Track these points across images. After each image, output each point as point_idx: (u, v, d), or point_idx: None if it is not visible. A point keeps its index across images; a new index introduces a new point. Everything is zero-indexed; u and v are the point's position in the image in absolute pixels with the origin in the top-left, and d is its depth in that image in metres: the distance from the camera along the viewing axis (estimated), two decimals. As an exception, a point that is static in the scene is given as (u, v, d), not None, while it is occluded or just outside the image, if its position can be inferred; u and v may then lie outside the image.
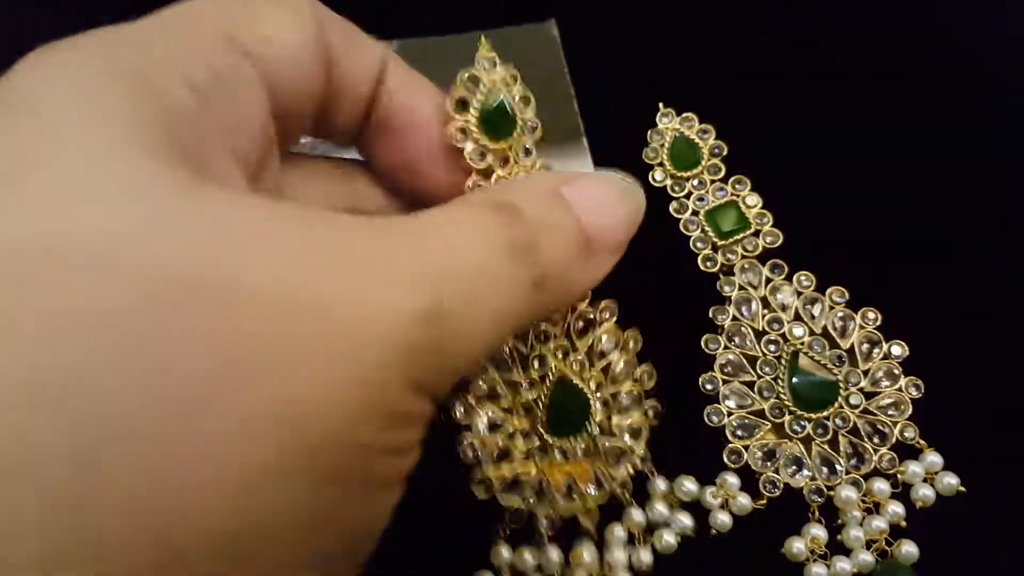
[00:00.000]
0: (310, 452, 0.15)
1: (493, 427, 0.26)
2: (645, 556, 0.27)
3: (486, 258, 0.19)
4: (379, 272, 0.17)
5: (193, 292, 0.15)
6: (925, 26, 0.38)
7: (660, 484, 0.28)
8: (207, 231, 0.16)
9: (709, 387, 0.28)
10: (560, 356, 0.26)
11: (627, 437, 0.26)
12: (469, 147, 0.25)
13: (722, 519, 0.27)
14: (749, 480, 0.27)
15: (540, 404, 0.26)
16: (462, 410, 0.26)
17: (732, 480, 0.27)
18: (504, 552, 0.27)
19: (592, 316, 0.27)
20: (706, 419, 0.28)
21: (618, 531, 0.27)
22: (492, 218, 0.20)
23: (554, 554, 0.27)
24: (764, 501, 0.27)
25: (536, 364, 0.26)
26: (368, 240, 0.18)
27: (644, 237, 0.29)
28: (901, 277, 0.31)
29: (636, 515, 0.27)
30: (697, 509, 0.27)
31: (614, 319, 0.26)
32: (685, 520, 0.27)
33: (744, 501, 0.27)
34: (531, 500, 0.25)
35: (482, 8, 0.40)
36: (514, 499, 0.25)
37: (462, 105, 0.25)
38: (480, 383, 0.26)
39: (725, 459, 0.27)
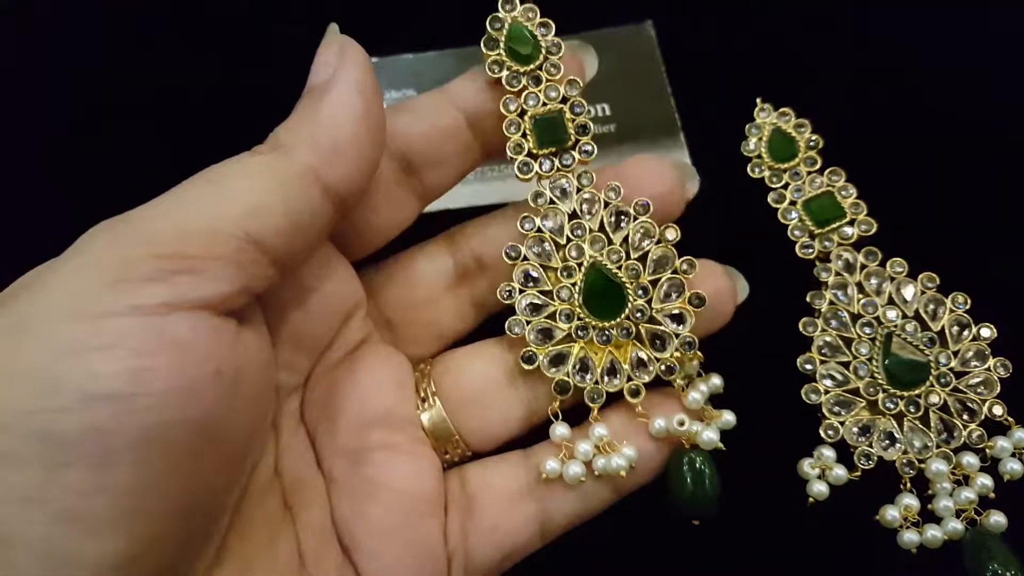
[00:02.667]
0: None
1: (535, 308, 0.29)
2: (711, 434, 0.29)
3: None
4: None
5: None
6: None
7: (715, 380, 0.30)
8: None
9: (808, 367, 0.30)
10: (594, 246, 0.29)
11: (670, 323, 0.29)
12: (519, 159, 0.29)
13: (819, 488, 0.29)
14: (845, 453, 0.29)
15: (577, 288, 0.29)
16: (507, 292, 0.29)
17: (828, 453, 0.29)
18: (560, 428, 0.29)
19: (626, 210, 0.29)
20: (804, 397, 0.30)
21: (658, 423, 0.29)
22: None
23: (600, 430, 0.28)
24: (859, 473, 0.29)
25: (572, 253, 0.29)
26: None
27: (744, 226, 0.31)
28: (989, 262, 0.32)
29: (677, 417, 0.28)
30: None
31: (648, 214, 0.29)
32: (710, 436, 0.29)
33: (840, 472, 0.29)
34: (576, 376, 0.28)
35: (585, 10, 0.42)
36: (558, 373, 0.28)
37: (490, 43, 0.29)
38: (519, 269, 0.29)
39: (822, 433, 0.29)
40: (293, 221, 0.23)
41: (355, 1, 0.45)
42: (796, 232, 0.32)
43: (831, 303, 0.31)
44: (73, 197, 0.41)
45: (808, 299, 0.31)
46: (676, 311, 0.29)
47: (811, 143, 0.33)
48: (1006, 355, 0.29)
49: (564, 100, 0.30)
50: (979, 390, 0.29)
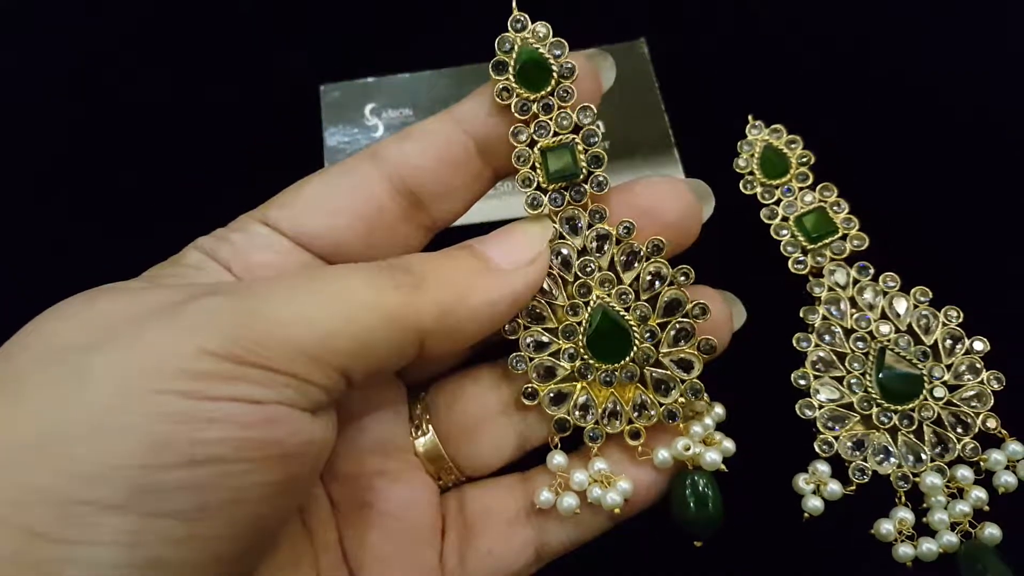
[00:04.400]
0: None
1: (539, 346, 0.28)
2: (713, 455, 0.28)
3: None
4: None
5: None
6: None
7: (718, 410, 0.29)
8: None
9: (802, 382, 0.30)
10: (603, 286, 0.28)
11: (676, 369, 0.28)
12: (530, 192, 0.28)
13: (814, 503, 0.29)
14: (839, 468, 0.29)
15: (582, 329, 0.28)
16: (511, 327, 0.28)
17: (823, 468, 0.29)
18: (557, 458, 0.29)
19: (639, 250, 0.28)
20: (799, 412, 0.30)
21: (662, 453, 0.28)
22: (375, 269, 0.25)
23: (599, 464, 0.28)
24: (853, 487, 0.29)
25: (580, 291, 0.28)
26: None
27: (737, 243, 0.31)
28: (981, 276, 0.32)
29: (681, 443, 0.28)
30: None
31: (661, 254, 0.28)
32: (714, 456, 0.28)
33: (835, 487, 0.29)
34: (576, 414, 0.28)
35: (578, 28, 0.42)
36: (558, 411, 0.28)
37: (499, 67, 0.28)
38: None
39: (816, 449, 0.29)
40: (384, 363, 0.24)
41: (352, 22, 0.46)
42: (789, 248, 0.32)
43: (824, 318, 0.31)
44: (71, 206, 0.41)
45: (801, 314, 0.31)
46: (684, 357, 0.29)
47: (803, 159, 0.33)
48: (999, 368, 0.30)
49: (576, 129, 0.28)
50: (973, 403, 0.29)
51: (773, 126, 0.34)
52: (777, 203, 0.33)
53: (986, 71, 0.41)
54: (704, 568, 0.31)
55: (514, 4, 0.28)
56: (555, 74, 0.28)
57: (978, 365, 0.30)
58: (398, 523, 0.28)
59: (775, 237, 0.32)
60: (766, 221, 0.33)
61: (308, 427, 0.23)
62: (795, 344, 0.31)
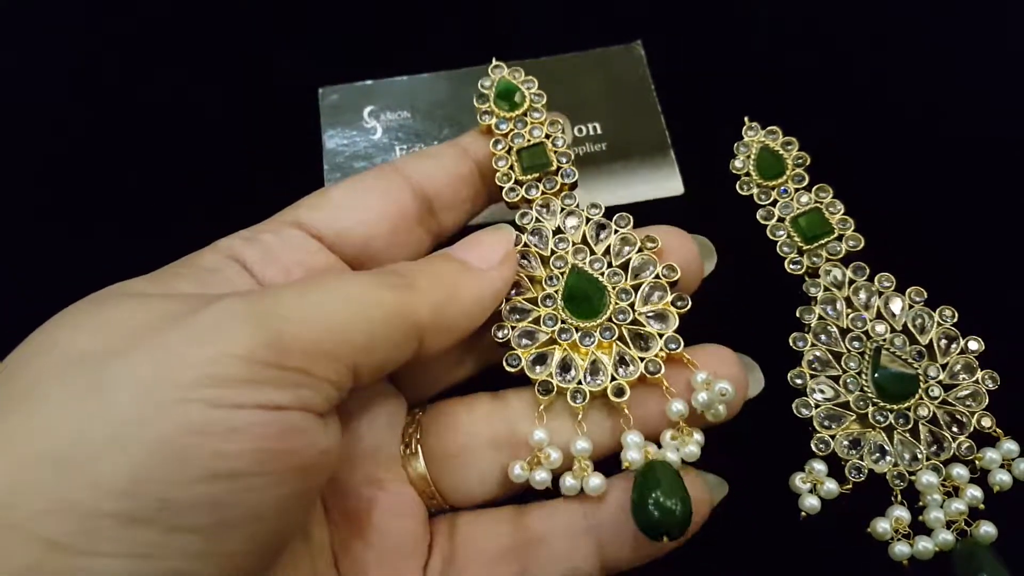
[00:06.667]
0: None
1: (519, 312, 0.30)
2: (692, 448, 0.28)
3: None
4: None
5: None
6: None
7: (700, 375, 0.28)
8: None
9: (798, 382, 0.30)
10: (577, 255, 0.31)
11: (653, 323, 0.29)
12: (507, 185, 0.32)
13: (811, 502, 0.29)
14: (836, 466, 0.29)
15: (559, 294, 0.30)
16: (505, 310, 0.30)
17: (819, 467, 0.29)
18: (538, 433, 0.28)
19: (607, 223, 0.31)
20: (795, 411, 0.30)
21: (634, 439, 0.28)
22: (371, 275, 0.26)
23: (582, 444, 0.28)
24: (849, 486, 0.29)
25: (557, 264, 0.31)
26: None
27: (733, 243, 0.31)
28: (977, 276, 0.33)
29: (675, 405, 0.28)
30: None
31: (629, 226, 0.31)
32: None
33: (831, 486, 0.29)
34: (558, 376, 0.29)
35: (576, 30, 0.42)
36: (540, 374, 0.29)
37: (481, 98, 0.33)
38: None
39: (813, 447, 0.29)
40: (390, 358, 0.25)
41: (350, 25, 0.46)
42: (785, 248, 0.32)
43: (820, 318, 0.31)
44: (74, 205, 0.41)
45: (797, 314, 0.31)
46: (659, 311, 0.30)
47: (798, 160, 0.33)
48: (994, 367, 0.30)
49: (547, 137, 0.33)
50: (968, 402, 0.30)
51: (769, 127, 0.34)
52: (773, 204, 0.33)
53: (986, 71, 0.42)
54: (702, 568, 0.31)
55: (493, 60, 0.34)
56: (527, 98, 0.33)
57: (973, 364, 0.30)
58: (382, 536, 0.28)
59: (771, 238, 0.32)
60: (762, 222, 0.33)
61: (322, 436, 0.23)
62: (791, 344, 0.31)
